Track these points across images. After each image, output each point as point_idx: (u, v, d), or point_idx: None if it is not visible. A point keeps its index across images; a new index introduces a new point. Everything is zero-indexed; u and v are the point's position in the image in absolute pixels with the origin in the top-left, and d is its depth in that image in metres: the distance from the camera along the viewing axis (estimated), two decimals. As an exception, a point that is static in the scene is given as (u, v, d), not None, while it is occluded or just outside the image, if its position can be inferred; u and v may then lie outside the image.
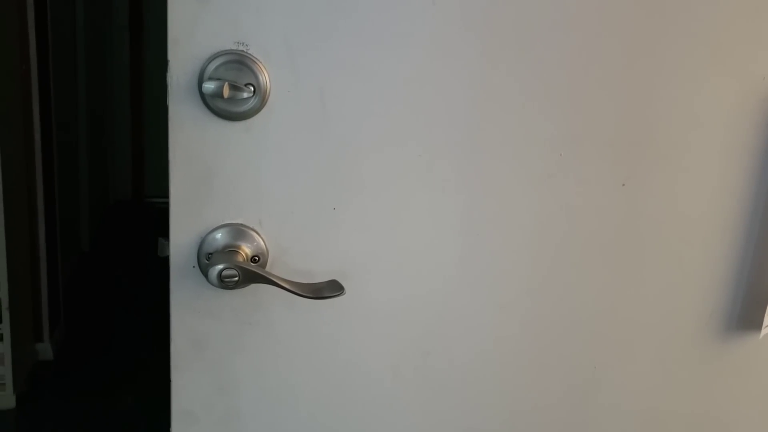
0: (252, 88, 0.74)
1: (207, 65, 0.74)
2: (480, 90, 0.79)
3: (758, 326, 0.89)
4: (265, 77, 0.75)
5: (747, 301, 0.90)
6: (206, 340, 0.82)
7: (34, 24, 2.63)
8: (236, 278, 0.74)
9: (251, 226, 0.79)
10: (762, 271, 0.88)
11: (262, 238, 0.79)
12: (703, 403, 0.94)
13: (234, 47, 0.74)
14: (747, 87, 0.83)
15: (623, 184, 0.84)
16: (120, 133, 4.70)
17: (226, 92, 0.72)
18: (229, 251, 0.77)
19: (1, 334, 2.50)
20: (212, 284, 0.74)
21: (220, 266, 0.74)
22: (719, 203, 0.86)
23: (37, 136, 2.75)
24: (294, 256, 0.81)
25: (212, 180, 0.77)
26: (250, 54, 0.74)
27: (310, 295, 0.77)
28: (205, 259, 0.78)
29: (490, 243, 0.84)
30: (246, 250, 0.78)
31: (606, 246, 0.86)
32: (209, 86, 0.72)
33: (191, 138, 0.76)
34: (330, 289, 0.78)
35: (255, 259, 0.79)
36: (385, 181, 0.80)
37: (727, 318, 0.91)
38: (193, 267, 0.79)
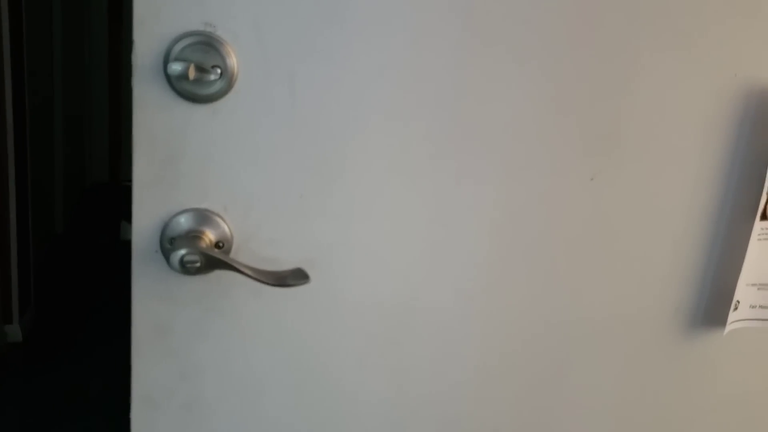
0: (219, 71, 0.73)
1: (173, 46, 0.72)
2: (452, 80, 0.79)
3: (723, 323, 0.90)
4: (232, 60, 0.74)
5: (712, 298, 0.90)
6: (168, 327, 0.81)
7: (7, 2, 2.59)
8: (198, 264, 0.73)
9: (216, 212, 0.78)
10: (728, 268, 0.88)
11: (227, 224, 0.78)
12: (667, 399, 0.95)
13: (201, 28, 0.73)
14: (718, 84, 0.83)
15: (592, 179, 0.84)
16: (98, 115, 4.64)
17: (191, 74, 0.70)
18: (192, 236, 0.76)
19: (-31, 316, 2.47)
20: (174, 270, 0.73)
21: (183, 251, 0.73)
22: (687, 199, 0.86)
23: (9, 118, 2.71)
24: (259, 243, 0.80)
25: (177, 163, 0.76)
26: (217, 35, 0.73)
27: (274, 283, 0.76)
28: (167, 243, 0.77)
29: (459, 234, 0.84)
30: (210, 235, 0.77)
31: (574, 240, 0.86)
32: (175, 67, 0.71)
33: (156, 120, 0.75)
34: (295, 278, 0.77)
35: (219, 245, 0.78)
36: (354, 169, 0.80)
37: (693, 314, 0.91)
38: (156, 251, 0.78)
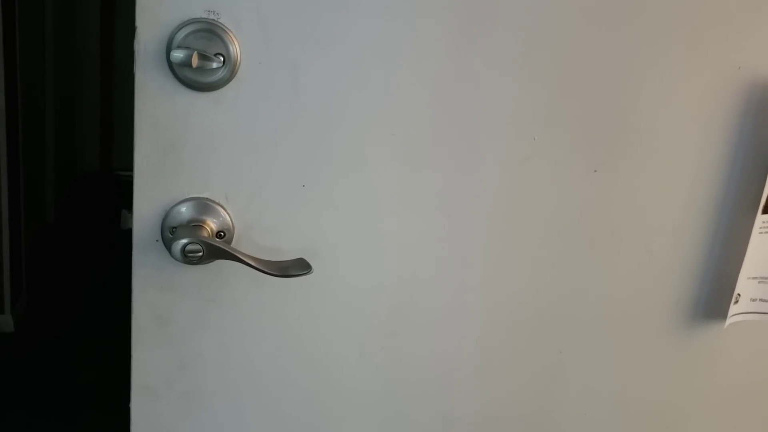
0: (222, 59, 0.72)
1: (176, 33, 0.72)
2: (457, 69, 0.78)
3: (723, 315, 0.90)
4: (235, 47, 0.73)
5: (713, 291, 0.90)
6: (169, 316, 0.81)
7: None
8: (200, 253, 0.72)
9: (217, 201, 0.77)
10: (729, 260, 0.88)
11: (228, 214, 0.78)
12: (667, 391, 0.95)
13: (204, 15, 0.72)
14: (722, 76, 0.83)
15: (595, 170, 0.83)
16: (89, 104, 4.61)
17: (194, 62, 0.70)
18: (193, 226, 0.76)
19: (-40, 305, 2.46)
20: (175, 259, 0.73)
21: (184, 241, 0.72)
22: (690, 191, 0.86)
23: (2, 106, 2.68)
24: (261, 232, 0.79)
25: (178, 152, 0.75)
26: (220, 23, 0.72)
27: (276, 273, 0.76)
28: (168, 233, 0.76)
29: (462, 225, 0.83)
30: (211, 225, 0.77)
31: (576, 231, 0.86)
32: (177, 55, 0.70)
33: (158, 108, 0.74)
34: (297, 268, 0.77)
35: (220, 235, 0.77)
36: (357, 159, 0.79)
37: (693, 306, 0.91)
38: (157, 241, 0.77)
